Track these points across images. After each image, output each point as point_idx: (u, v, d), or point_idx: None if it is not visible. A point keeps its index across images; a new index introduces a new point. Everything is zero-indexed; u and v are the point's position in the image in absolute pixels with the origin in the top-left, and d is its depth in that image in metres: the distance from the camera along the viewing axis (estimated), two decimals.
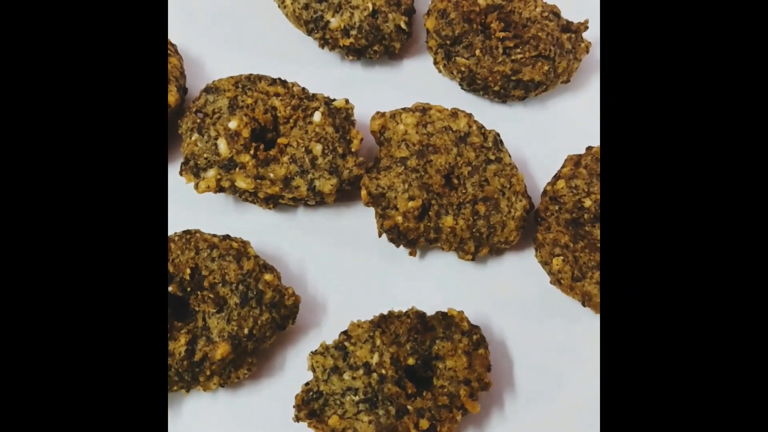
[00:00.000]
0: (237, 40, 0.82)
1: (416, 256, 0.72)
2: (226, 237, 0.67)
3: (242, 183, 0.67)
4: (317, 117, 0.70)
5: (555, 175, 0.72)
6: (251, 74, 0.72)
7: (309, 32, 0.78)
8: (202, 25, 0.82)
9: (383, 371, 0.62)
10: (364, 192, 0.69)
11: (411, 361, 0.63)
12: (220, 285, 0.64)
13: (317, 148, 0.68)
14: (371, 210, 0.74)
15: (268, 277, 0.65)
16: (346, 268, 0.73)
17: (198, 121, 0.69)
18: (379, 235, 0.71)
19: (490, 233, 0.69)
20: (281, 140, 0.69)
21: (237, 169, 0.67)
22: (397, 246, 0.71)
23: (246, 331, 0.63)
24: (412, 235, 0.69)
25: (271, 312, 0.64)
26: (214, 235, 0.67)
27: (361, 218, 0.74)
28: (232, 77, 0.72)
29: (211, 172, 0.68)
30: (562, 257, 0.68)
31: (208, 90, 0.71)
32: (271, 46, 0.81)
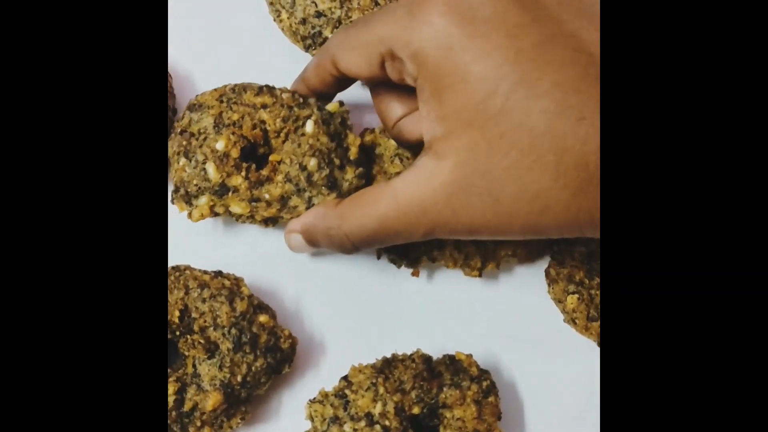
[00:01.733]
0: (230, 57, 0.76)
1: (419, 276, 0.68)
2: (218, 274, 0.63)
3: (237, 208, 0.62)
4: (309, 127, 0.63)
5: None
6: (236, 85, 0.66)
7: (306, 48, 0.73)
8: (193, 42, 0.77)
9: (387, 422, 0.58)
10: None
11: (416, 410, 0.59)
12: (212, 328, 0.59)
13: (312, 163, 0.63)
14: None
15: (262, 318, 0.61)
16: (346, 303, 0.69)
17: (184, 143, 0.64)
18: (378, 257, 0.67)
19: (496, 246, 0.65)
20: (273, 157, 0.63)
21: (230, 194, 0.62)
22: (399, 266, 0.67)
23: (239, 378, 0.59)
24: (414, 253, 0.66)
25: (266, 357, 0.60)
26: (205, 272, 0.63)
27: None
28: (215, 90, 0.66)
29: (204, 199, 0.63)
30: (577, 295, 0.64)
31: (191, 107, 0.65)
32: (267, 64, 0.76)
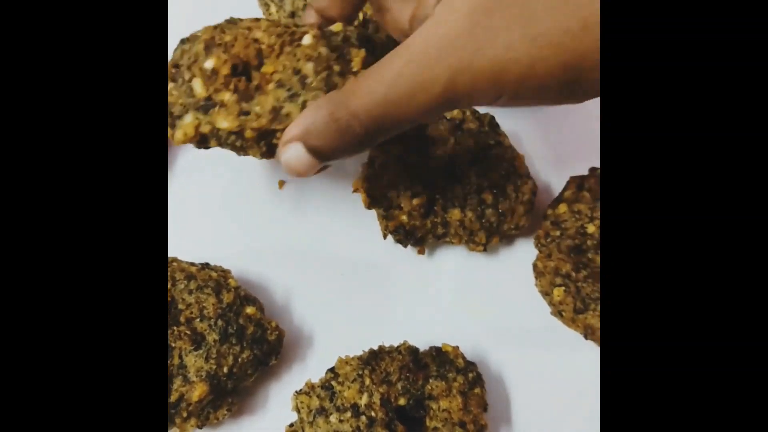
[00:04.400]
0: None
1: (425, 254, 0.71)
2: (205, 266, 0.63)
3: (224, 122, 0.56)
4: (307, 40, 0.57)
5: (556, 198, 0.69)
6: (233, 17, 0.62)
7: None
8: (183, 33, 0.77)
9: (372, 414, 0.58)
10: (363, 195, 0.67)
11: (402, 401, 0.60)
12: (198, 320, 0.60)
13: (308, 67, 0.56)
14: (360, 233, 0.71)
15: (249, 310, 0.61)
16: (333, 296, 0.69)
17: (173, 71, 0.59)
18: (384, 237, 0.68)
19: (500, 221, 0.67)
20: (266, 69, 0.57)
21: (217, 109, 0.56)
22: (405, 246, 0.69)
23: (225, 369, 0.59)
24: (420, 232, 0.67)
25: (253, 348, 0.60)
26: (192, 264, 0.63)
27: (351, 242, 0.71)
28: (210, 26, 0.61)
29: (188, 117, 0.57)
30: (563, 288, 0.64)
31: (183, 41, 0.61)
32: None
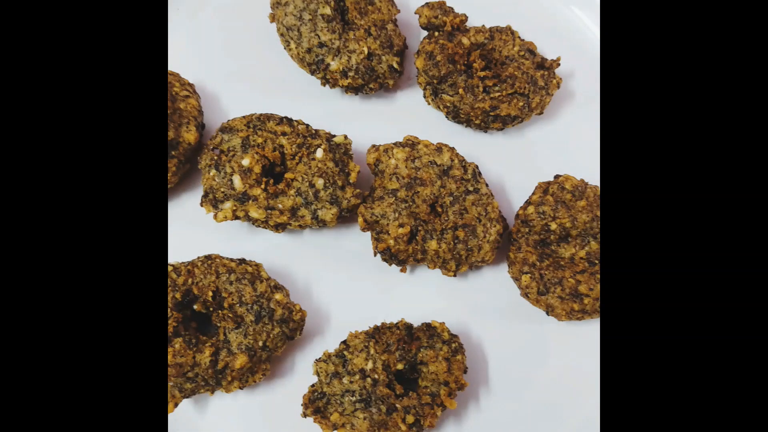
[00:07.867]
0: (249, 79, 0.91)
1: (406, 272, 0.83)
2: (242, 261, 0.78)
3: (255, 213, 0.77)
4: (319, 153, 0.79)
5: (526, 201, 0.82)
6: (261, 114, 0.81)
7: (312, 72, 0.87)
8: (218, 66, 0.92)
9: (376, 376, 0.73)
10: (360, 219, 0.78)
11: (399, 366, 0.74)
12: (238, 305, 0.75)
13: (319, 183, 0.77)
14: (366, 235, 0.84)
15: (278, 296, 0.76)
16: (346, 284, 0.83)
17: (215, 158, 0.79)
18: (375, 255, 0.81)
19: (468, 254, 0.79)
20: (288, 175, 0.78)
21: (250, 201, 0.77)
22: (390, 265, 0.81)
23: (260, 343, 0.74)
24: (402, 256, 0.79)
25: (281, 326, 0.75)
26: (232, 260, 0.78)
27: (359, 240, 0.85)
28: (244, 117, 0.81)
29: (228, 204, 0.77)
30: (529, 274, 0.79)
31: (223, 129, 0.81)
32: (280, 84, 0.91)
